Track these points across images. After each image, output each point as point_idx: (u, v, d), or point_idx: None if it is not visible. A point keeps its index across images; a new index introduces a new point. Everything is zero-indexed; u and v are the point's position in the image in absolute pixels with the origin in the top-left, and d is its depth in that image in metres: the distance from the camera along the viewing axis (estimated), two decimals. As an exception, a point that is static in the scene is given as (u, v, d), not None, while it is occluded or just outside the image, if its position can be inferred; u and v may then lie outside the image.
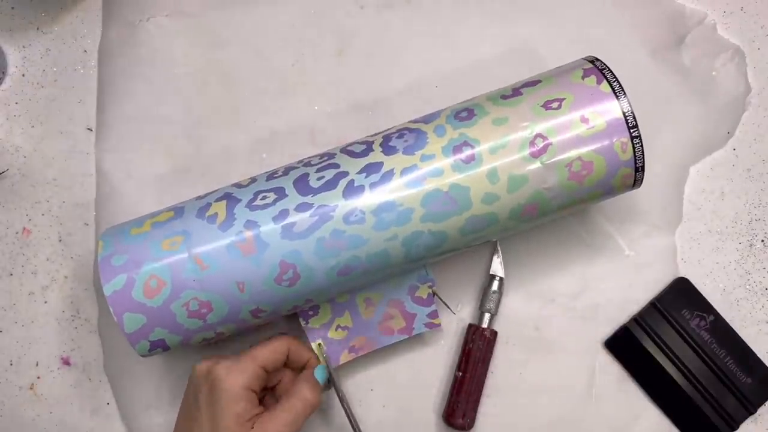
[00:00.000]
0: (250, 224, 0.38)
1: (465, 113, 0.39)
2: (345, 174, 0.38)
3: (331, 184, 0.38)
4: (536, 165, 0.38)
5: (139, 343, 0.38)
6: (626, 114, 0.38)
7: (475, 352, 0.45)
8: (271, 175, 0.40)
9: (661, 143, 0.48)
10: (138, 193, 0.47)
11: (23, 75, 0.49)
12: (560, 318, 0.47)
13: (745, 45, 0.49)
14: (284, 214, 0.38)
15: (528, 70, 0.48)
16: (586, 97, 0.38)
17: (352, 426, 0.41)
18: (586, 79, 0.39)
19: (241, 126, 0.48)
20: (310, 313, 0.43)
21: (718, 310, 0.46)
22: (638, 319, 0.46)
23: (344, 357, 0.44)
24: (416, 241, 0.38)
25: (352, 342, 0.44)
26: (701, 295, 0.47)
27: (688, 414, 0.46)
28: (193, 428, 0.39)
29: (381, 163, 0.38)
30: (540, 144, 0.38)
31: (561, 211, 0.40)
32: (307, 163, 0.40)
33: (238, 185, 0.40)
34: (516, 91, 0.40)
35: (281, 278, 0.38)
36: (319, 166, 0.39)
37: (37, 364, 0.47)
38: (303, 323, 0.43)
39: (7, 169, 0.48)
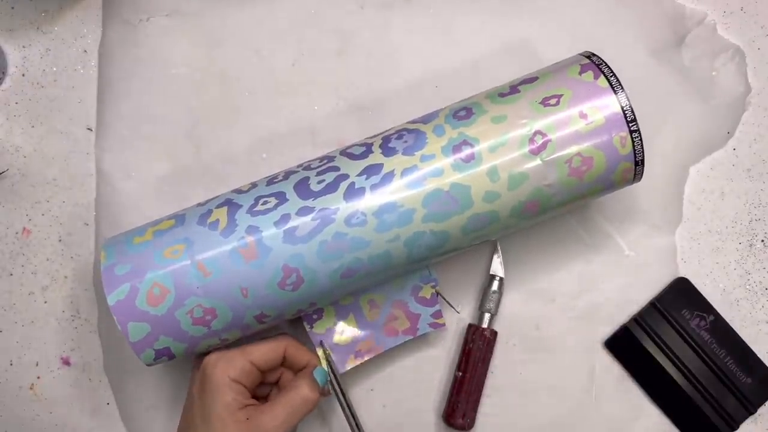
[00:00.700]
0: (252, 230, 0.38)
1: (463, 112, 0.39)
2: (345, 176, 0.38)
3: (331, 187, 0.38)
4: (536, 162, 0.38)
5: (145, 352, 0.38)
6: (624, 108, 0.38)
7: (475, 352, 0.45)
8: (271, 180, 0.40)
9: (661, 143, 0.48)
10: (138, 193, 0.47)
11: (23, 75, 0.49)
12: (560, 318, 0.47)
13: (745, 45, 0.49)
14: (286, 218, 0.38)
15: (528, 69, 0.49)
16: (584, 93, 0.38)
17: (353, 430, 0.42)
18: (583, 74, 0.39)
19: (241, 126, 0.48)
20: (314, 317, 0.43)
21: (718, 310, 0.46)
22: (638, 319, 0.46)
23: (351, 362, 0.43)
24: (418, 242, 0.38)
25: (358, 347, 0.44)
26: (701, 295, 0.47)
27: (688, 414, 0.46)
28: (188, 418, 0.39)
29: (381, 165, 0.38)
30: (539, 141, 0.38)
31: (562, 208, 0.40)
32: (307, 167, 0.40)
33: (239, 191, 0.40)
34: (514, 89, 0.40)
35: (285, 282, 0.38)
36: (319, 169, 0.39)
37: (37, 364, 0.47)
38: (307, 327, 0.43)
39: (7, 169, 0.48)
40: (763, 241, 0.48)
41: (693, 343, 0.46)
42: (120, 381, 0.47)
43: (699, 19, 0.49)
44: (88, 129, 0.49)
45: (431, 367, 0.47)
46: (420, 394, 0.47)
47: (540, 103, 0.38)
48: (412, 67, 0.49)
